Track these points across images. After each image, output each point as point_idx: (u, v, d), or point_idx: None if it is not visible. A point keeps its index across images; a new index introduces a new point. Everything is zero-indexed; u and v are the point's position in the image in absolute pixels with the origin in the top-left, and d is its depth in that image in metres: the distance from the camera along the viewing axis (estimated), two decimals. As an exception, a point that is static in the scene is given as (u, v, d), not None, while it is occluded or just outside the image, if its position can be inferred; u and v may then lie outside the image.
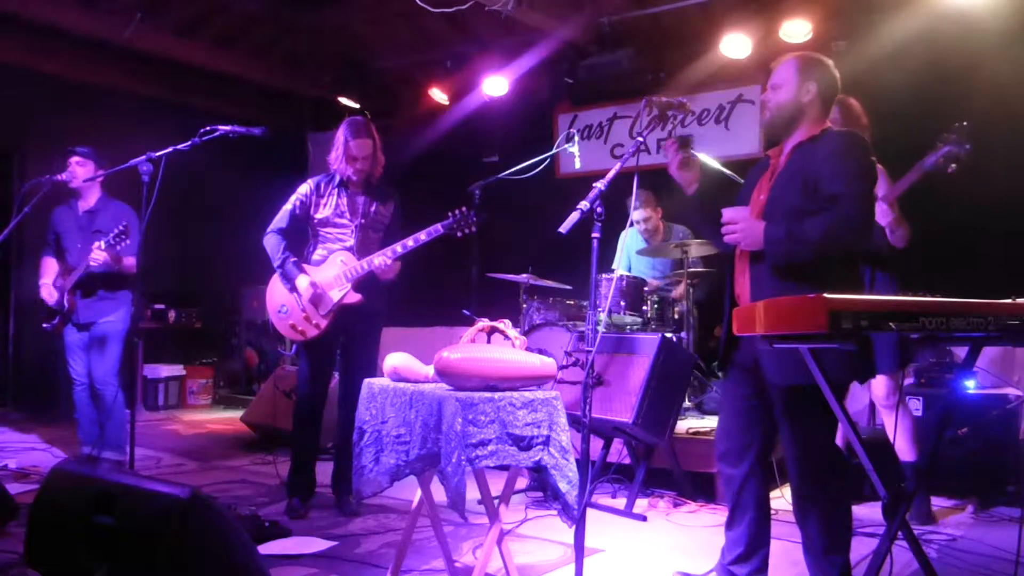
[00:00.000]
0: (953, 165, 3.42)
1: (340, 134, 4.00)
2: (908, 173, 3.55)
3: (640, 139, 2.71)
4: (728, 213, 2.62)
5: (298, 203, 4.05)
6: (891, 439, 3.81)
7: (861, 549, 3.20)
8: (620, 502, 4.11)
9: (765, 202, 2.65)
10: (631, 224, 5.60)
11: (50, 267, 4.85)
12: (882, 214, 3.56)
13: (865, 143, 2.60)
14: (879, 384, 3.82)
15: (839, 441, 3.85)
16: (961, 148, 3.38)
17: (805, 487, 2.59)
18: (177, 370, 7.89)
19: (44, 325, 4.81)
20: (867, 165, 2.55)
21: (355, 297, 3.93)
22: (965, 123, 3.40)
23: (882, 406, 3.89)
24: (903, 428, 3.82)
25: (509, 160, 5.03)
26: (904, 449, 3.81)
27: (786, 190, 2.60)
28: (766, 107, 2.72)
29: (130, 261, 4.62)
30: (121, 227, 4.41)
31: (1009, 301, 2.14)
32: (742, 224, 2.57)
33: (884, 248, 3.74)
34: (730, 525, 2.79)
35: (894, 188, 3.60)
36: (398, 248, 3.85)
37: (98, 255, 4.45)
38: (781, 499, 3.73)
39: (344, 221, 4.02)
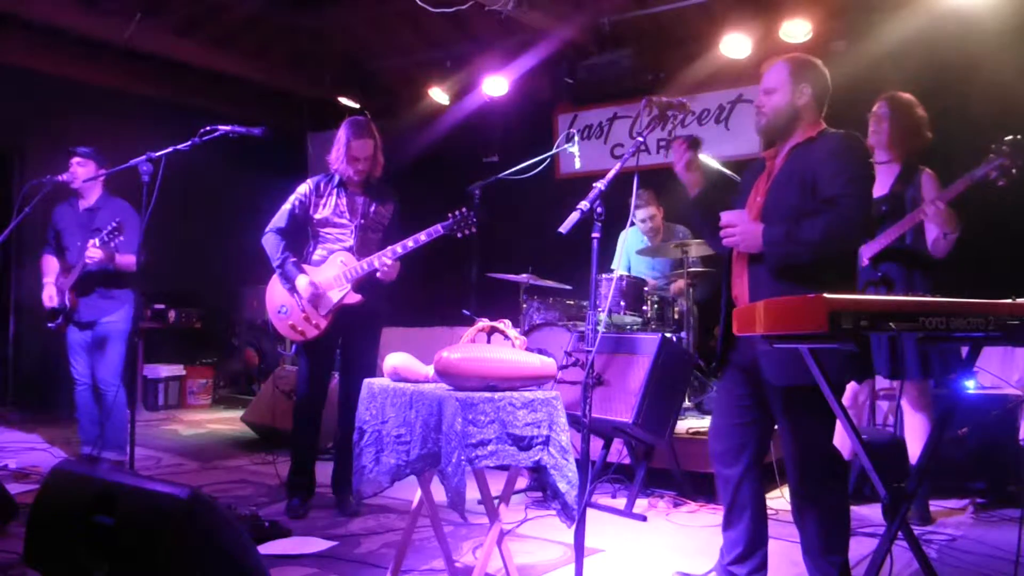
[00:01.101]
0: (1004, 180, 3.41)
1: (342, 134, 3.99)
2: (956, 181, 3.54)
3: (640, 139, 2.71)
4: (726, 216, 2.62)
5: (297, 203, 4.05)
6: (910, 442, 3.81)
7: (861, 549, 3.20)
8: (620, 502, 4.11)
9: (762, 204, 2.65)
10: (631, 224, 5.60)
11: (51, 266, 4.85)
12: (934, 217, 3.55)
13: (862, 144, 2.60)
14: (912, 387, 3.81)
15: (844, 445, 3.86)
16: (1014, 162, 3.37)
17: (803, 487, 2.60)
18: (177, 370, 7.88)
19: (49, 324, 4.81)
20: (864, 166, 2.55)
21: (355, 298, 3.93)
22: (1020, 136, 3.39)
23: (914, 409, 3.84)
24: (924, 433, 3.80)
25: (509, 160, 5.02)
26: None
27: (783, 192, 2.60)
28: (760, 112, 2.72)
29: (127, 259, 4.61)
30: (114, 224, 4.40)
31: (1009, 301, 2.14)
32: (740, 227, 2.57)
33: (922, 250, 3.74)
34: (727, 525, 2.78)
35: (943, 194, 3.58)
36: (398, 249, 3.85)
37: (93, 253, 4.45)
38: (781, 499, 3.73)
39: (344, 221, 4.02)
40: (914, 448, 3.81)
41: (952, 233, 3.60)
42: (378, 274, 3.88)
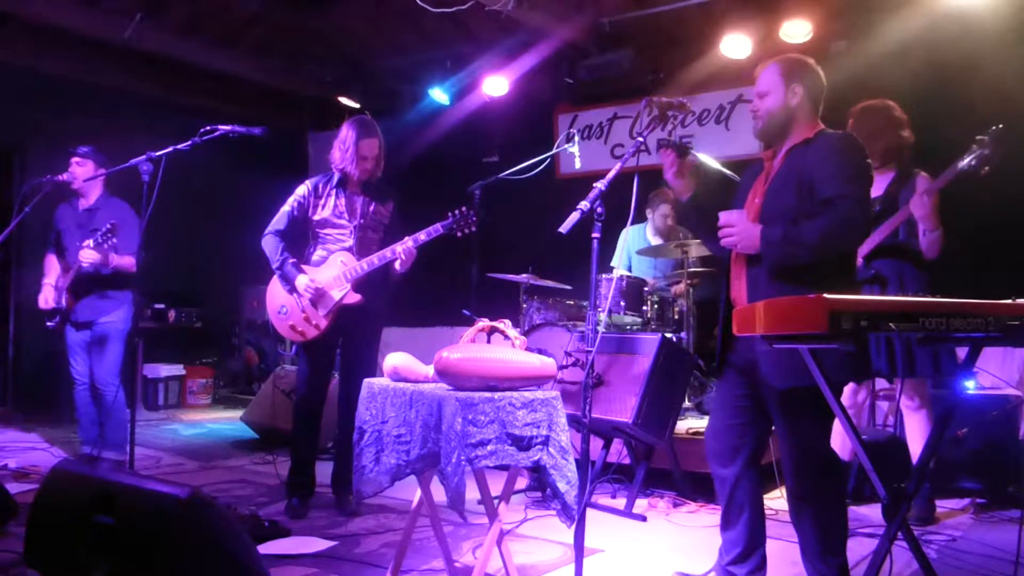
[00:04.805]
0: (986, 168, 3.43)
1: (348, 133, 3.98)
2: (943, 173, 3.55)
3: (640, 139, 2.71)
4: (724, 216, 2.62)
5: (296, 204, 4.05)
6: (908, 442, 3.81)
7: (861, 549, 3.21)
8: (620, 502, 4.12)
9: (760, 205, 2.65)
10: (632, 222, 5.61)
11: (52, 266, 4.86)
12: (918, 208, 3.55)
13: (859, 144, 2.60)
14: (907, 387, 3.79)
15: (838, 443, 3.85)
16: (994, 151, 3.39)
17: (800, 488, 2.60)
18: (177, 370, 7.88)
19: (48, 323, 4.81)
20: (862, 166, 2.55)
21: (355, 297, 3.93)
22: (1000, 126, 3.40)
23: (912, 409, 3.84)
24: (924, 433, 3.80)
25: (509, 160, 5.02)
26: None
27: (781, 193, 2.60)
28: (756, 115, 2.72)
29: (124, 260, 4.60)
30: (108, 226, 4.39)
31: (1009, 301, 2.14)
32: (738, 227, 2.57)
33: (915, 247, 3.73)
34: (726, 525, 2.79)
35: (930, 187, 3.60)
36: (398, 248, 3.85)
37: (86, 255, 4.44)
38: (782, 499, 3.73)
39: (343, 222, 4.02)
40: (915, 448, 3.80)
41: (931, 231, 3.60)
42: (396, 264, 3.87)
